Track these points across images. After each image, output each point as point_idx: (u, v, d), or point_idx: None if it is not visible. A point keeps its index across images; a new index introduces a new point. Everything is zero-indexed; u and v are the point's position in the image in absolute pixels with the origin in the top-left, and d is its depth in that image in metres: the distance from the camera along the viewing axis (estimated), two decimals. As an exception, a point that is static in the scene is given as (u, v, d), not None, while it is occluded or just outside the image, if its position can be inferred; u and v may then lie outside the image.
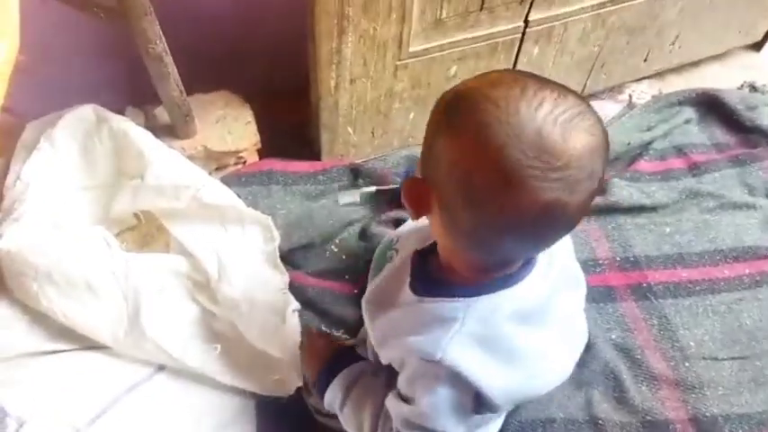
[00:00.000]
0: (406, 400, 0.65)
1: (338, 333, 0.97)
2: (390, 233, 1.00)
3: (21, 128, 1.04)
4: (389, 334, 0.65)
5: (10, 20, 0.38)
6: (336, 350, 0.85)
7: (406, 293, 0.62)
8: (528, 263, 0.61)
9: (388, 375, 0.72)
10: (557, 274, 0.63)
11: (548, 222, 0.51)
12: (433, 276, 0.62)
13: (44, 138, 1.01)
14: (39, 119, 1.06)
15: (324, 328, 0.96)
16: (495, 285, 0.59)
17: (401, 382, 0.65)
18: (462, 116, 0.50)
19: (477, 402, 0.61)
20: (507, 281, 0.59)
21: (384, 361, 0.68)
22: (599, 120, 0.51)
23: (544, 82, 0.50)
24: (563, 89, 0.50)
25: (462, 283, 0.60)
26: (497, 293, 0.58)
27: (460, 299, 0.59)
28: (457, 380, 0.59)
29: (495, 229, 0.52)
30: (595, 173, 0.50)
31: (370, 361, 0.82)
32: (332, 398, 0.79)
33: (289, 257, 1.05)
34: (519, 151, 0.47)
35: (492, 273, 0.59)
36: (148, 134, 1.00)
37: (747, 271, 1.10)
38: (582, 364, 0.98)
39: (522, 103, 0.48)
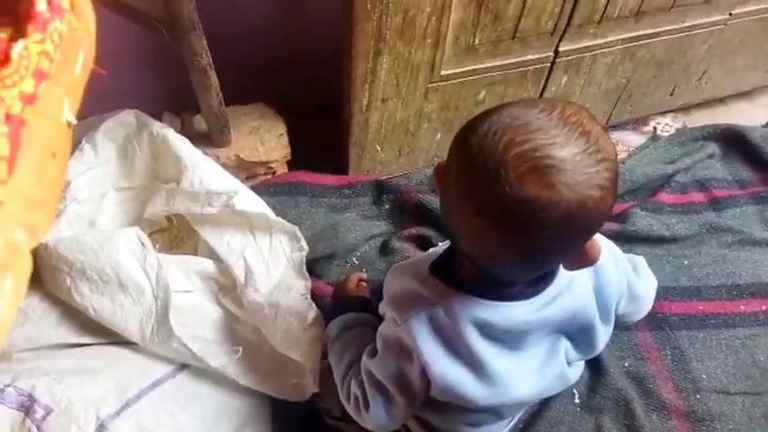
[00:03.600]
0: (376, 353, 0.70)
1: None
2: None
3: (64, 128, 1.08)
4: (393, 289, 0.68)
5: (88, 32, 0.42)
6: (355, 296, 0.91)
7: (425, 268, 0.66)
8: (526, 290, 0.62)
9: None
10: (557, 313, 0.63)
11: (494, 245, 0.52)
12: (452, 263, 0.65)
13: (86, 139, 1.05)
14: (81, 120, 1.10)
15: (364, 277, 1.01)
16: (482, 293, 0.61)
17: (377, 333, 0.70)
18: (477, 115, 0.54)
19: (427, 382, 0.64)
20: (492, 294, 0.61)
21: (381, 310, 0.73)
22: (589, 181, 0.48)
23: (561, 123, 0.49)
24: (577, 134, 0.49)
25: (466, 278, 0.63)
26: (478, 299, 0.60)
27: (448, 287, 0.62)
28: (409, 350, 0.63)
29: (455, 226, 0.56)
30: (551, 225, 0.48)
31: (376, 317, 0.86)
32: (330, 332, 0.85)
33: (311, 267, 1.08)
34: (480, 167, 0.49)
35: (485, 282, 0.61)
36: (186, 141, 1.04)
37: (764, 308, 1.10)
38: (594, 390, 0.99)
39: (510, 130, 0.49)
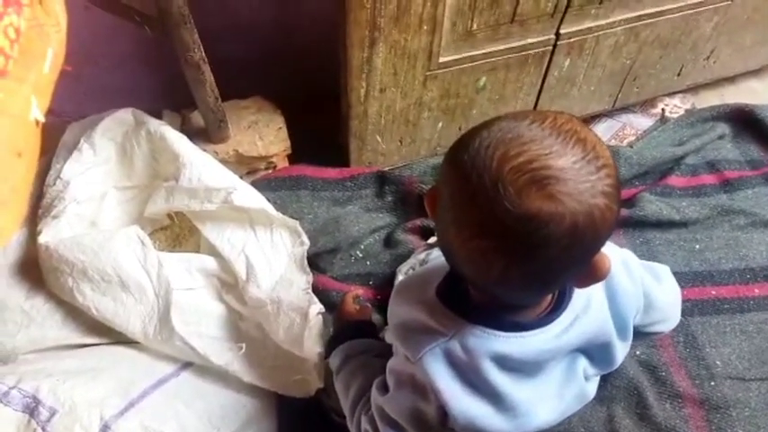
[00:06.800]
0: (386, 388, 0.67)
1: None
2: None
3: (62, 129, 1.08)
4: (400, 320, 0.66)
5: (57, 27, 0.41)
6: (356, 321, 0.88)
7: (431, 293, 0.63)
8: (541, 318, 0.59)
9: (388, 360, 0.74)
10: (576, 338, 0.61)
11: (498, 267, 0.48)
12: (459, 287, 0.62)
13: (84, 139, 1.05)
14: (79, 120, 1.10)
15: (362, 300, 1.00)
16: (496, 324, 0.58)
17: (387, 368, 0.67)
18: (464, 134, 0.51)
19: (444, 417, 0.61)
20: (507, 325, 0.58)
21: (388, 340, 0.70)
22: (592, 190, 0.45)
23: (555, 133, 0.47)
24: (572, 143, 0.46)
25: (477, 306, 0.60)
26: (493, 332, 0.58)
27: (461, 319, 0.59)
28: (423, 387, 0.60)
29: (453, 251, 0.53)
30: (557, 241, 0.45)
31: (381, 342, 0.84)
32: (333, 361, 0.82)
33: (314, 261, 1.07)
34: (477, 186, 0.46)
35: (496, 306, 0.58)
36: (184, 138, 1.03)
37: (779, 291, 1.08)
38: (605, 379, 0.97)
39: (503, 144, 0.46)
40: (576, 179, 0.45)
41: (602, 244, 0.50)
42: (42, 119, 0.37)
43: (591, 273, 0.52)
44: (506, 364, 0.58)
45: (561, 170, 0.45)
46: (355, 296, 0.97)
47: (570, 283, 0.57)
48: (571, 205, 0.45)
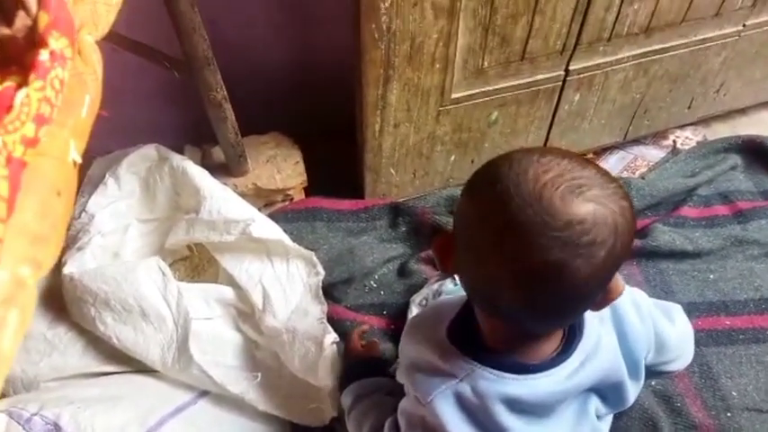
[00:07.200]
0: (397, 429, 0.67)
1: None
2: None
3: (88, 163, 1.12)
4: (411, 360, 0.66)
5: (94, 75, 0.44)
6: (365, 358, 0.90)
7: (442, 332, 0.63)
8: (551, 359, 0.60)
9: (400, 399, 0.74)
10: (586, 380, 0.61)
11: (545, 285, 0.49)
12: (468, 327, 0.63)
13: (109, 173, 1.09)
14: (105, 156, 1.14)
15: (371, 335, 1.01)
16: (506, 366, 0.58)
17: (399, 408, 0.68)
18: (478, 173, 0.54)
19: None
20: (517, 367, 0.58)
21: (399, 379, 0.71)
22: (616, 194, 0.49)
23: (566, 156, 0.50)
24: (583, 162, 0.50)
25: (488, 347, 0.61)
26: (501, 373, 0.58)
27: (472, 360, 0.59)
28: (434, 430, 0.60)
29: (495, 281, 0.52)
30: (602, 242, 0.48)
31: (390, 379, 0.84)
32: (344, 400, 0.83)
33: (329, 291, 1.09)
34: (519, 205, 0.48)
35: (509, 345, 0.59)
36: (205, 172, 1.06)
37: (795, 322, 1.07)
38: (620, 411, 0.97)
39: (530, 166, 0.49)
40: (602, 186, 0.49)
41: (629, 251, 0.52)
42: (79, 160, 0.40)
43: (607, 293, 0.54)
44: (517, 406, 0.59)
45: (589, 179, 0.49)
46: (362, 332, 0.98)
47: (589, 306, 0.57)
48: (609, 206, 0.48)
